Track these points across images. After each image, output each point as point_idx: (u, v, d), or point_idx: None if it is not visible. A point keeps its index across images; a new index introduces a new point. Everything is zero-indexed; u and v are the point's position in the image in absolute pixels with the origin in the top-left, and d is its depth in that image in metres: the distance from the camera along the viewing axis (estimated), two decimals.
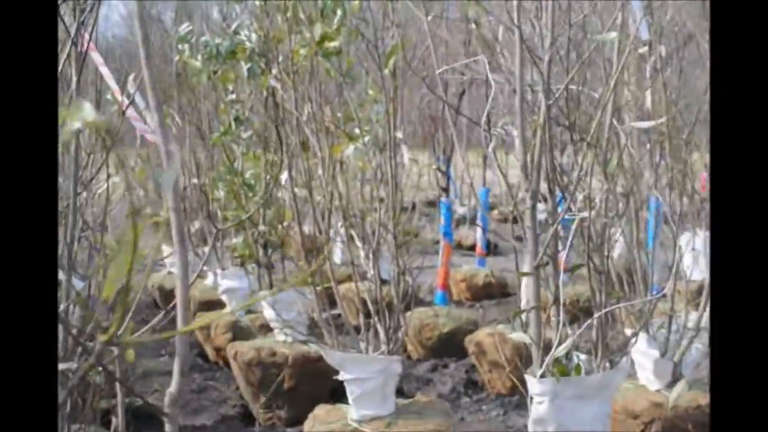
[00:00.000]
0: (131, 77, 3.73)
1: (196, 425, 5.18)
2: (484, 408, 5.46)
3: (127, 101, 2.47)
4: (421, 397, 4.35)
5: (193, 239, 7.68)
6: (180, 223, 1.32)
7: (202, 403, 5.59)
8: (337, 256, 7.76)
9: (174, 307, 1.32)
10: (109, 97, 3.11)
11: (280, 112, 4.48)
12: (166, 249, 9.01)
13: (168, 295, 8.51)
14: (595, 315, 2.95)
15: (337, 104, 4.26)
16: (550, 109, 2.75)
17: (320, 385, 5.01)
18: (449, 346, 6.57)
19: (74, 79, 1.98)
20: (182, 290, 1.30)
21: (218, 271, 6.65)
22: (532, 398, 2.86)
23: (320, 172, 4.09)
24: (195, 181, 7.05)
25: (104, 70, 2.67)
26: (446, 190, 7.45)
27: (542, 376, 2.83)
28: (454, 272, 8.70)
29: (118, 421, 2.02)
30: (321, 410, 4.12)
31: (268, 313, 5.37)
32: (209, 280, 7.45)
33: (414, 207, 12.72)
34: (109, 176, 2.74)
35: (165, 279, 8.81)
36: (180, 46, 5.14)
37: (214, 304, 6.87)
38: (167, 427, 1.34)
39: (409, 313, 6.46)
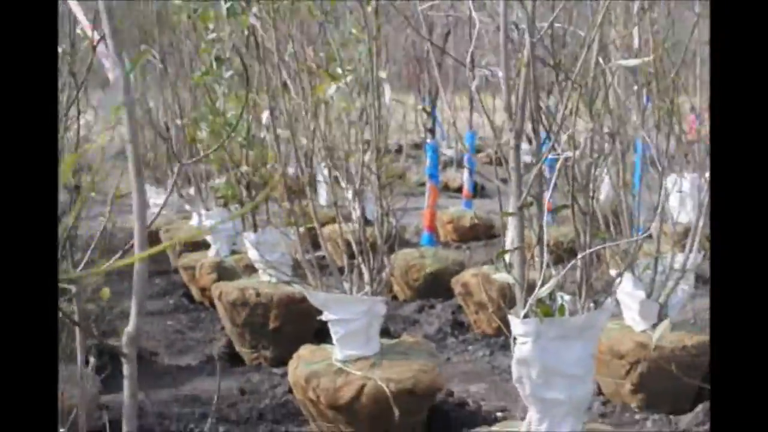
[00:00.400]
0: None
1: (181, 365, 5.19)
2: (470, 348, 5.48)
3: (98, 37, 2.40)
4: (407, 337, 4.36)
5: (178, 181, 7.63)
6: (137, 155, 1.28)
7: (187, 344, 5.61)
8: (322, 198, 7.73)
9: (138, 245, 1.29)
10: (79, 31, 3.04)
11: (261, 51, 4.40)
12: (150, 189, 8.97)
13: (152, 235, 8.49)
14: (579, 255, 2.93)
15: (319, 44, 4.19)
16: (534, 48, 2.70)
17: (305, 326, 5.01)
18: (435, 287, 6.59)
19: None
20: (140, 223, 1.27)
21: (203, 211, 6.62)
22: (515, 339, 2.85)
23: (303, 113, 4.05)
24: (178, 122, 6.97)
25: (73, 4, 2.59)
26: (432, 131, 7.40)
27: (525, 316, 2.82)
28: (440, 214, 8.70)
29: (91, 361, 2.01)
30: (305, 350, 4.12)
31: (252, 254, 5.36)
32: (194, 221, 7.42)
33: (401, 149, 12.67)
34: (79, 113, 2.69)
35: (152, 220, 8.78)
36: None
37: (199, 245, 6.86)
38: (125, 367, 1.32)
39: (393, 255, 6.47)
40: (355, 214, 4.09)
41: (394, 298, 6.77)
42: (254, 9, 4.04)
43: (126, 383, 1.37)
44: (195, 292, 6.60)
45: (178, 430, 3.98)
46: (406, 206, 4.35)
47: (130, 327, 1.32)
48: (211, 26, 4.89)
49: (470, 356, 5.36)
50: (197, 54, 5.57)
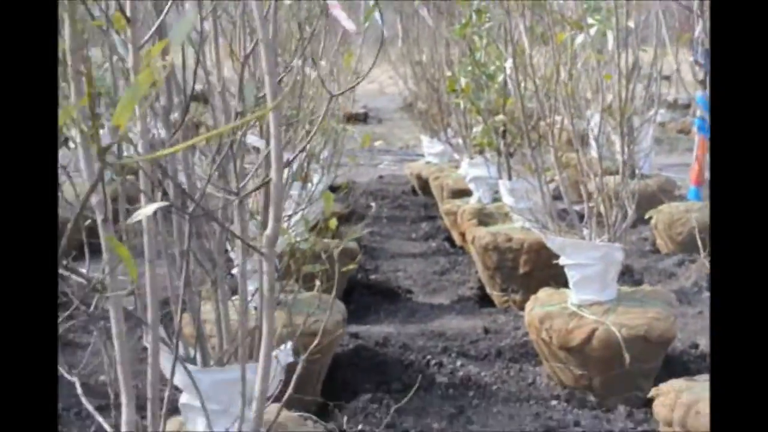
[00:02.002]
0: None
1: (434, 303, 5.49)
2: None
3: None
4: (646, 286, 4.36)
5: (450, 130, 7.91)
6: (273, 87, 1.47)
7: (442, 284, 5.89)
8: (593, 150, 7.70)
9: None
10: None
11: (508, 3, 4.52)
12: (423, 139, 9.34)
13: (425, 184, 8.87)
14: None
15: None
16: None
17: (555, 272, 5.11)
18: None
19: None
20: (276, 165, 1.45)
21: (466, 160, 6.85)
22: None
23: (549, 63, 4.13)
24: (448, 73, 7.22)
25: None
26: (704, 84, 7.13)
27: None
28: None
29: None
30: (543, 293, 4.25)
31: (507, 200, 5.52)
32: (462, 169, 7.67)
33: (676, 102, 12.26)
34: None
35: (423, 168, 9.17)
36: None
37: (464, 193, 7.10)
38: (264, 264, 1.52)
39: (656, 209, 6.38)
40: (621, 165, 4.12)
41: (656, 251, 6.69)
42: None
43: (264, 278, 1.55)
44: (456, 237, 6.88)
45: (417, 360, 4.25)
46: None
47: (268, 231, 1.52)
48: None
49: None
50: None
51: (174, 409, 1.81)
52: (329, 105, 2.12)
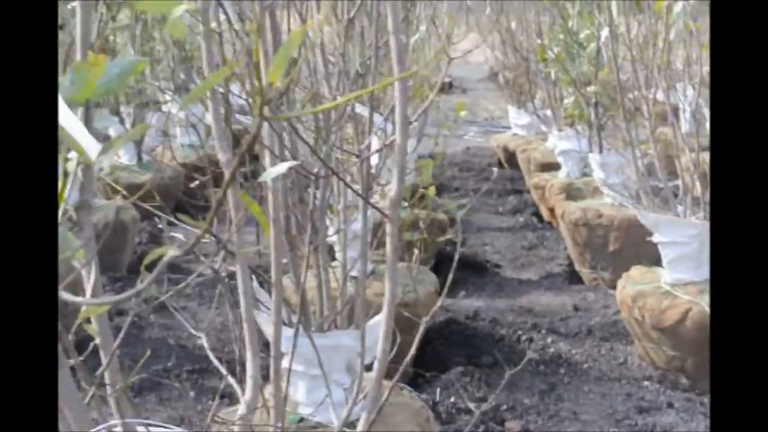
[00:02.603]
0: None
1: (522, 279, 5.41)
2: None
3: None
4: None
5: (537, 101, 7.78)
6: (399, 44, 1.41)
7: (530, 259, 5.80)
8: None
9: None
10: None
11: None
12: (510, 110, 9.20)
13: (511, 156, 8.75)
14: None
15: None
16: None
17: (646, 250, 4.98)
18: None
19: None
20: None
21: (555, 132, 6.71)
22: None
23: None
24: (539, 41, 7.08)
25: None
26: None
27: None
28: None
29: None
30: (636, 271, 4.14)
31: (598, 175, 5.39)
32: (549, 142, 7.53)
33: None
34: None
35: (510, 140, 9.04)
36: None
37: (552, 166, 6.97)
38: (388, 226, 1.49)
39: None
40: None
41: None
42: None
43: (388, 240, 1.54)
44: (544, 212, 6.76)
45: (508, 335, 4.19)
46: None
47: (392, 193, 1.50)
48: None
49: None
50: None
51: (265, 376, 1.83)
52: (447, 68, 2.09)
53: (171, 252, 0.97)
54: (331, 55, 2.60)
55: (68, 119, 0.97)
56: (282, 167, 1.09)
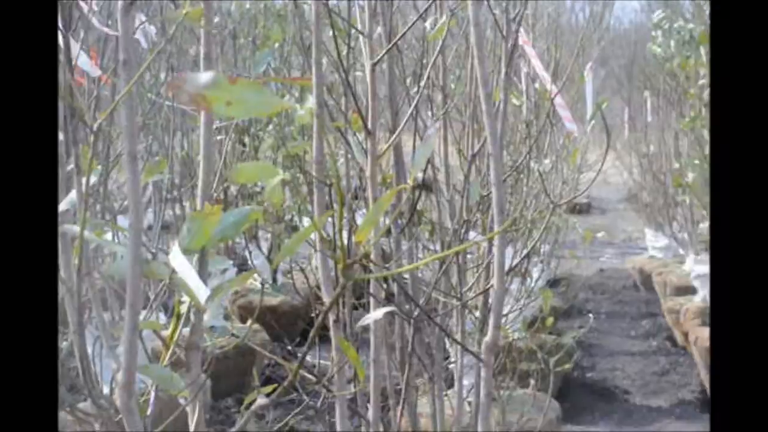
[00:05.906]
0: (588, 66, 3.95)
1: (651, 406, 5.30)
2: None
3: (555, 89, 2.71)
4: None
5: (675, 224, 7.71)
6: (500, 194, 1.49)
7: (661, 386, 5.68)
8: None
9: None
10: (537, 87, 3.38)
11: None
12: (648, 232, 9.13)
13: (647, 279, 8.63)
14: None
15: None
16: None
17: None
18: None
19: (503, 71, 2.24)
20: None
21: (692, 255, 6.64)
22: None
23: None
24: (676, 165, 7.08)
25: (536, 62, 2.92)
26: None
27: None
28: None
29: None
30: None
31: None
32: (687, 265, 7.43)
33: None
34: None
35: (646, 262, 8.93)
36: (653, 32, 5.29)
37: (688, 290, 6.86)
38: (482, 370, 1.55)
39: None
40: None
41: None
42: None
43: (482, 383, 1.59)
44: (678, 336, 6.63)
45: None
46: None
47: (488, 337, 1.55)
48: (701, 71, 5.02)
49: None
50: (684, 98, 5.67)
51: None
52: (550, 215, 2.16)
53: (260, 400, 1.07)
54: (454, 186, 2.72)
55: (181, 264, 1.05)
56: (379, 313, 1.17)
